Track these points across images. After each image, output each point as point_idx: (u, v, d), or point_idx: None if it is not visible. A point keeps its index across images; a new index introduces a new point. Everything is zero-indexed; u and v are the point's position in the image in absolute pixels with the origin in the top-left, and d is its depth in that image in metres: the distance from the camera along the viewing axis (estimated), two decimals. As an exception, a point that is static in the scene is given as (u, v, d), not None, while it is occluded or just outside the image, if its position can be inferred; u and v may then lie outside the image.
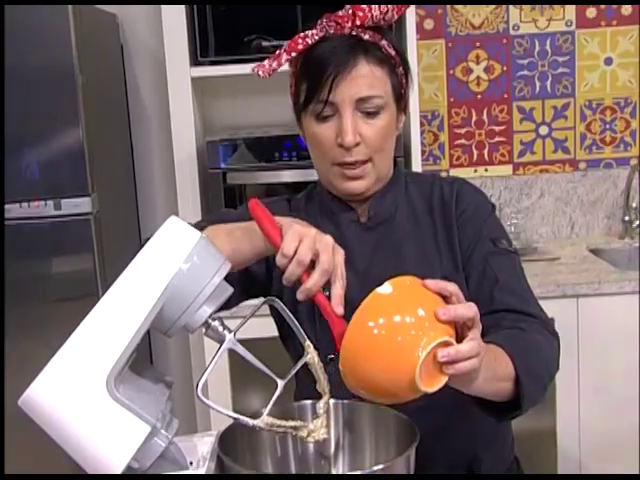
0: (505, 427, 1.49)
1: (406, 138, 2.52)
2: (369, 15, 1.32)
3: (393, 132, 1.40)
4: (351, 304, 1.29)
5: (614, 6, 2.83)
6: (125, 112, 2.85)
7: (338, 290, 1.13)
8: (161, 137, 2.80)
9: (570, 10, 2.84)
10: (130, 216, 2.85)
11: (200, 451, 1.14)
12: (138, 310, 1.02)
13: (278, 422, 1.06)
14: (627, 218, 2.89)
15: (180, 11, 2.48)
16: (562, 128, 2.91)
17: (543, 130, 2.91)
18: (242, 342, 1.08)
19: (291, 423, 1.07)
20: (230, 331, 1.06)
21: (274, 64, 1.32)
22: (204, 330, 1.06)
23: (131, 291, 1.02)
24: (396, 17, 1.35)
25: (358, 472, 1.11)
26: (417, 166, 2.53)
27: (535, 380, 1.23)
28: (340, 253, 1.16)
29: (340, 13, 1.34)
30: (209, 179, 2.55)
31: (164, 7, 2.47)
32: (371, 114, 1.34)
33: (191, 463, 1.13)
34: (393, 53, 1.37)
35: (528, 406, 1.23)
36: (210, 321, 1.05)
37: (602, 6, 2.83)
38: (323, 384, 1.09)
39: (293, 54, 1.32)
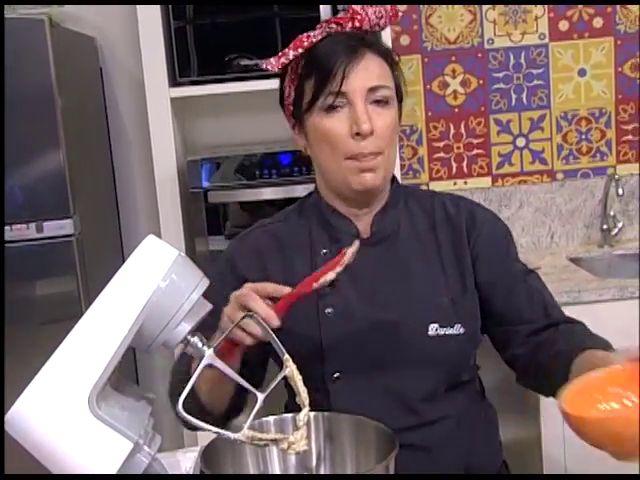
0: (494, 429, 1.51)
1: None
2: (366, 18, 1.37)
3: (397, 129, 1.41)
4: (353, 319, 1.35)
5: (586, 18, 2.88)
6: (106, 134, 2.87)
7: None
8: (142, 158, 2.82)
9: (543, 24, 2.88)
10: (113, 237, 2.86)
11: (183, 466, 1.15)
12: (118, 328, 1.03)
13: (259, 435, 1.07)
14: (605, 226, 2.92)
15: (158, 32, 2.50)
16: (539, 139, 2.95)
17: (520, 142, 2.94)
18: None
19: (272, 436, 1.09)
20: (209, 347, 1.08)
21: (282, 59, 1.35)
22: (183, 346, 1.08)
23: (111, 309, 1.04)
24: (389, 24, 1.41)
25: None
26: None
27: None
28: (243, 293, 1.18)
29: (340, 15, 1.39)
30: (191, 198, 2.56)
31: (142, 28, 2.49)
32: (381, 104, 1.36)
33: (175, 479, 1.15)
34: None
35: None
36: (189, 337, 1.07)
37: (574, 19, 2.88)
38: (302, 397, 1.10)
39: (300, 50, 1.35)
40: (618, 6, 2.87)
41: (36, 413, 1.00)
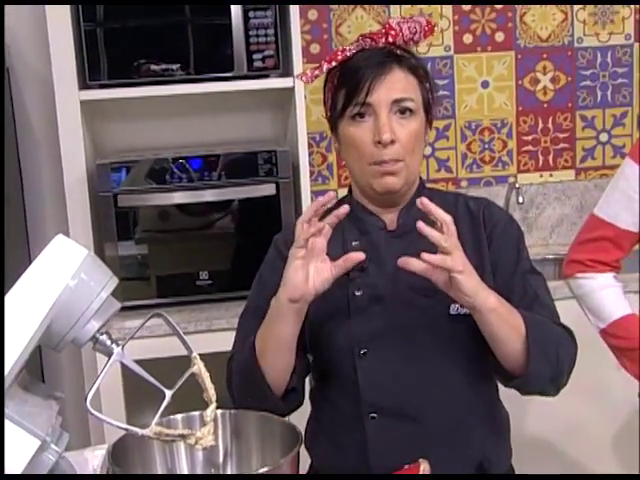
0: (506, 432, 1.59)
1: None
2: (400, 34, 1.50)
3: (422, 139, 1.52)
4: (380, 300, 1.49)
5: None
6: (13, 136, 2.81)
7: None
8: (51, 161, 2.78)
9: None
10: (20, 242, 2.81)
11: (91, 464, 1.16)
12: (26, 326, 1.03)
13: (166, 431, 1.10)
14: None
15: (68, 34, 2.48)
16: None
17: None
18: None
19: (179, 431, 1.11)
20: (118, 345, 1.10)
21: (316, 72, 1.51)
22: (92, 344, 1.09)
23: (18, 308, 1.04)
24: (424, 38, 1.53)
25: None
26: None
27: (542, 349, 1.39)
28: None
29: (375, 31, 1.53)
30: (100, 202, 2.54)
31: (51, 30, 2.47)
32: (405, 115, 1.47)
33: (84, 477, 1.16)
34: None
35: (534, 375, 1.39)
36: (98, 335, 1.08)
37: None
38: (210, 393, 1.13)
39: (333, 63, 1.50)
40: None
41: (-59, 411, 1.00)
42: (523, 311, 1.43)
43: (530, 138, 3.07)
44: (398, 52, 1.51)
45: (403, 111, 1.47)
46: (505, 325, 1.39)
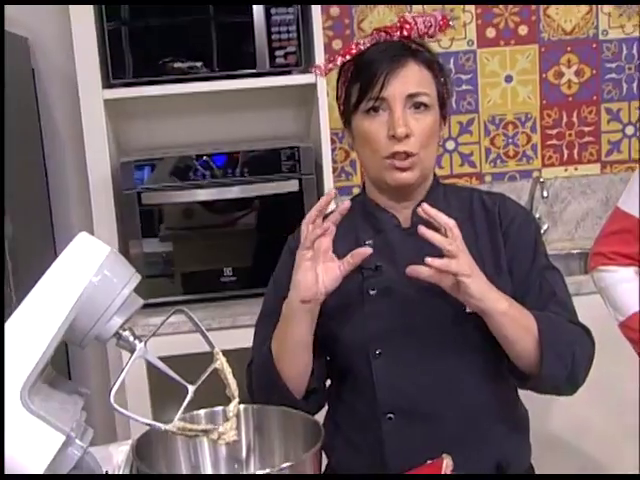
0: (525, 430, 1.57)
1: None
2: (415, 27, 1.48)
3: (437, 134, 1.51)
4: (395, 298, 1.48)
5: None
6: (38, 136, 2.84)
7: None
8: (75, 160, 2.81)
9: None
10: (46, 240, 2.84)
11: (116, 459, 1.17)
12: (50, 323, 1.05)
13: (189, 426, 1.10)
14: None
15: (92, 33, 2.50)
16: (468, 143, 3.03)
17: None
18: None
19: (202, 427, 1.12)
20: (141, 341, 1.10)
21: (330, 65, 1.50)
22: (116, 341, 1.10)
23: (43, 304, 1.06)
24: (438, 33, 1.51)
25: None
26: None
27: (555, 350, 1.37)
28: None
29: (389, 25, 1.51)
30: (124, 200, 2.56)
31: (75, 29, 2.49)
32: (419, 110, 1.46)
33: (107, 472, 1.17)
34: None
35: (547, 376, 1.38)
36: (121, 332, 1.09)
37: None
38: (232, 388, 1.14)
39: (348, 57, 1.49)
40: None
41: (-32, 407, 1.01)
42: (536, 311, 1.42)
43: (555, 132, 3.05)
44: (413, 46, 1.49)
45: (418, 106, 1.46)
46: (516, 327, 1.37)
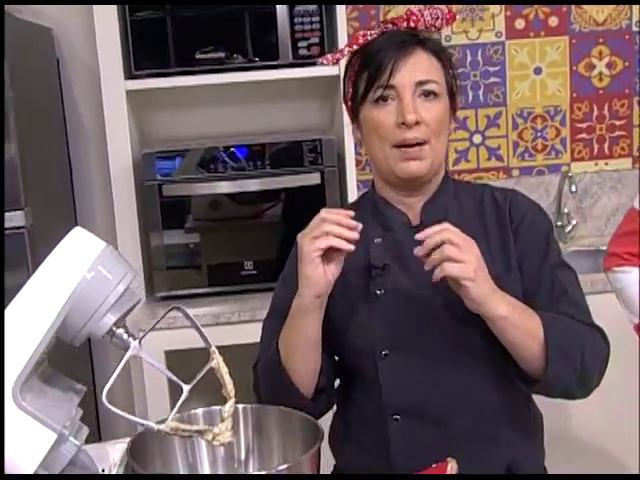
0: (539, 433, 1.54)
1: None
2: (422, 19, 1.46)
3: (447, 124, 1.48)
4: (402, 299, 1.45)
5: None
6: (62, 126, 2.85)
7: None
8: (98, 150, 2.81)
9: None
10: (68, 230, 2.84)
11: (111, 458, 1.16)
12: (42, 319, 1.03)
13: (183, 426, 1.08)
14: (559, 223, 2.95)
15: (114, 24, 2.50)
16: (496, 136, 2.97)
17: (477, 138, 2.97)
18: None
19: (196, 427, 1.09)
20: (135, 338, 1.08)
21: (337, 55, 1.47)
22: (109, 338, 1.08)
23: (35, 300, 1.04)
24: (445, 25, 1.49)
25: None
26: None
27: (562, 353, 1.34)
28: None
29: (396, 16, 1.48)
30: (145, 191, 2.56)
31: (98, 20, 2.49)
32: (429, 98, 1.43)
33: (103, 470, 1.15)
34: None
35: (554, 379, 1.34)
36: (114, 329, 1.07)
37: None
38: (228, 388, 1.11)
39: (355, 47, 1.46)
40: None
41: (-42, 403, 1.00)
42: (544, 313, 1.38)
43: (585, 126, 2.98)
44: (420, 35, 1.46)
45: (427, 94, 1.42)
46: (518, 331, 1.33)
